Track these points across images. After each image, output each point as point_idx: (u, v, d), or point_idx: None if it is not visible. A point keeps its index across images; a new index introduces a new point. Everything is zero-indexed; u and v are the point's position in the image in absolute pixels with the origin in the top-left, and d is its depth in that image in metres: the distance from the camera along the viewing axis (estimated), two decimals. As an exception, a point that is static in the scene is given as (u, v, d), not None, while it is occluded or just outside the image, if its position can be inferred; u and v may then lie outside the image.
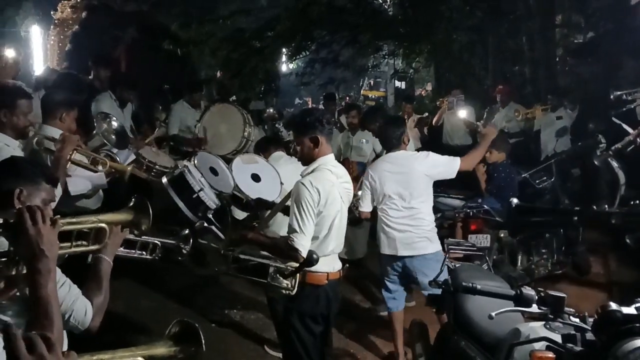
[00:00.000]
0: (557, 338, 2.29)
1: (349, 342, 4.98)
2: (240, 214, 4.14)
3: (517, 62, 12.83)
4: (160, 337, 2.09)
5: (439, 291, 3.41)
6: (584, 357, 2.16)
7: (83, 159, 3.72)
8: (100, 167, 3.75)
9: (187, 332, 1.78)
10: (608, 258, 6.69)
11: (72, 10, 12.46)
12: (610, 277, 6.28)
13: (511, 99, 8.79)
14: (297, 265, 3.14)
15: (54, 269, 1.69)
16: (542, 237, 5.95)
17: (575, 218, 5.64)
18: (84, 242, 1.94)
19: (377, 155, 6.01)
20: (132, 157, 4.54)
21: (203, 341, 1.73)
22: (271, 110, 10.19)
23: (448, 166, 4.42)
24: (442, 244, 4.50)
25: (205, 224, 3.44)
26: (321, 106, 11.26)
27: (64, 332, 1.91)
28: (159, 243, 2.52)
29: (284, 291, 3.24)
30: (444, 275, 3.57)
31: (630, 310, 2.16)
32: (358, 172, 6.24)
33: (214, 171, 3.73)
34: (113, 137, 4.32)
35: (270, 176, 3.98)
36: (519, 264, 5.87)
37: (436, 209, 5.22)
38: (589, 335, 2.23)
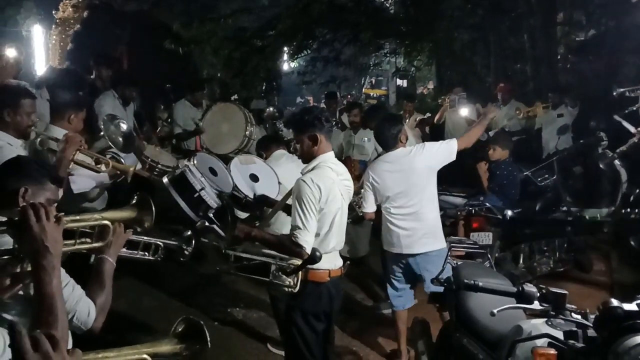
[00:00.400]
0: (559, 335, 2.29)
1: (351, 340, 4.98)
2: (242, 214, 4.15)
3: (518, 60, 12.82)
4: (164, 335, 2.09)
5: (441, 289, 3.42)
6: (586, 354, 2.16)
7: (86, 159, 3.72)
8: (103, 167, 3.76)
9: (193, 329, 1.79)
10: (609, 256, 6.70)
11: (73, 9, 12.48)
12: (611, 275, 6.28)
13: (512, 97, 8.78)
14: (299, 262, 3.15)
15: (58, 265, 1.70)
16: (544, 237, 5.96)
17: (569, 228, 5.69)
18: (88, 240, 1.95)
19: (379, 154, 6.01)
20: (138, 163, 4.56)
21: (208, 338, 1.74)
22: (271, 109, 10.18)
23: (446, 150, 4.39)
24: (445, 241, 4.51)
25: (207, 223, 3.45)
26: (323, 105, 11.27)
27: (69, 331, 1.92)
28: (161, 244, 2.53)
29: (286, 289, 3.25)
30: (447, 273, 3.57)
31: (631, 306, 2.17)
32: (360, 171, 6.24)
33: (213, 171, 3.74)
34: (120, 139, 4.33)
35: (268, 176, 4.00)
36: (521, 261, 5.87)
37: (438, 207, 5.23)
38: (591, 332, 2.24)
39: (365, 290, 6.02)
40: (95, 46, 9.87)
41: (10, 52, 5.92)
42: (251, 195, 3.81)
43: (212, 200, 3.59)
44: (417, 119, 8.69)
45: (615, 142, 6.63)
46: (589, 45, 11.59)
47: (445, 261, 3.77)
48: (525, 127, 8.60)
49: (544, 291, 2.43)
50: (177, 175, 3.66)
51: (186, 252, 2.79)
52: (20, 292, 2.04)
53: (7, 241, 1.83)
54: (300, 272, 3.21)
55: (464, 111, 7.64)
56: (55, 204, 2.23)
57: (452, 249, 3.98)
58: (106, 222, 1.96)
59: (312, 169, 3.35)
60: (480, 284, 2.60)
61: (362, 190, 4.60)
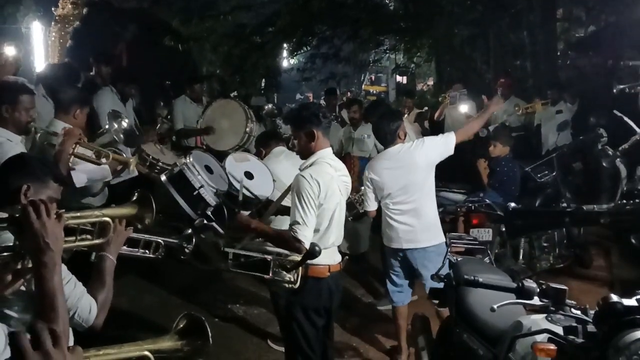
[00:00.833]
0: (559, 330, 2.30)
1: (351, 336, 4.99)
2: (244, 213, 4.15)
3: (518, 56, 12.81)
4: (165, 331, 2.10)
5: (440, 285, 3.43)
6: (586, 349, 2.17)
7: (86, 152, 3.73)
8: (103, 160, 3.77)
9: (194, 325, 1.79)
10: (609, 251, 6.71)
11: (73, 6, 12.45)
12: (611, 270, 6.29)
13: (512, 93, 8.77)
14: (299, 258, 3.15)
15: (59, 262, 1.70)
16: (543, 232, 5.96)
17: (567, 219, 5.70)
18: (89, 236, 1.95)
19: (380, 151, 6.01)
20: (135, 173, 4.56)
21: (210, 335, 1.74)
22: (270, 106, 10.15)
23: (444, 144, 4.38)
24: (444, 238, 4.52)
25: (205, 221, 3.45)
26: (322, 101, 11.26)
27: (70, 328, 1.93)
28: (162, 242, 2.53)
29: (286, 285, 3.26)
30: (446, 269, 3.58)
31: (631, 302, 2.17)
32: (360, 167, 6.25)
33: (208, 169, 3.74)
34: (121, 135, 4.37)
35: (262, 173, 4.00)
36: (521, 257, 5.88)
37: (438, 203, 5.22)
38: (591, 327, 2.24)
39: (365, 287, 6.03)
40: (94, 43, 9.86)
41: (9, 50, 5.92)
42: (246, 193, 3.80)
43: (210, 198, 3.59)
44: (416, 113, 8.70)
45: (615, 139, 6.63)
46: (589, 41, 11.59)
47: (445, 257, 3.78)
48: (525, 123, 8.60)
49: (543, 287, 2.43)
50: (175, 173, 3.66)
51: (187, 250, 2.80)
52: (23, 288, 2.04)
53: (9, 238, 1.84)
54: (300, 268, 3.21)
55: (464, 108, 7.64)
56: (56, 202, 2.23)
57: (452, 245, 3.98)
58: (107, 218, 1.96)
59: (311, 165, 3.36)
60: (480, 279, 2.61)
61: (363, 188, 4.60)
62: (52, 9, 12.65)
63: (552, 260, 5.87)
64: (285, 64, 19.11)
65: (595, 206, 5.34)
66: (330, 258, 3.40)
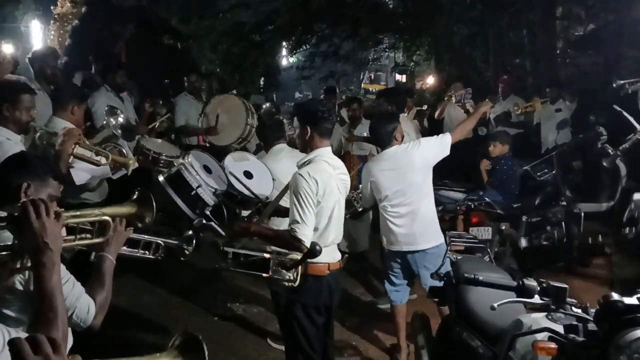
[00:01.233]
0: (559, 329, 2.30)
1: (351, 334, 4.99)
2: (245, 212, 4.15)
3: (518, 54, 12.80)
4: (165, 330, 2.09)
5: (440, 283, 3.42)
6: (586, 347, 2.17)
7: (85, 153, 3.73)
8: (102, 160, 3.77)
9: (191, 343, 1.78)
10: (609, 250, 6.70)
11: (71, 5, 12.46)
12: (611, 269, 6.28)
13: (512, 91, 8.77)
14: (298, 257, 3.15)
15: (58, 262, 1.70)
16: (543, 230, 5.96)
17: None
18: (88, 235, 1.94)
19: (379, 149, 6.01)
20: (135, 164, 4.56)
21: (206, 353, 1.74)
22: (267, 105, 10.11)
23: (440, 145, 4.38)
24: (444, 236, 4.51)
25: (204, 221, 3.45)
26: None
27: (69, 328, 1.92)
28: (162, 243, 2.52)
29: (286, 283, 3.25)
30: (446, 268, 3.57)
31: (632, 300, 2.17)
32: (359, 166, 6.24)
33: (207, 169, 3.74)
34: (119, 130, 4.39)
35: (261, 173, 4.00)
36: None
37: (437, 202, 5.22)
38: (591, 326, 2.24)
39: (365, 285, 6.02)
40: (93, 42, 9.86)
41: (7, 49, 5.93)
42: (246, 192, 3.80)
43: (208, 197, 3.58)
44: (415, 111, 8.69)
45: (615, 136, 6.63)
46: (588, 39, 11.58)
47: (445, 256, 3.77)
48: (524, 121, 8.60)
49: (544, 285, 2.43)
50: (173, 173, 3.65)
51: (187, 251, 2.80)
52: (20, 287, 2.04)
53: (8, 237, 1.83)
54: (300, 266, 3.21)
55: (470, 107, 7.68)
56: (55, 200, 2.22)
57: (452, 243, 3.98)
58: (107, 218, 1.95)
59: (308, 163, 3.36)
60: (481, 278, 2.60)
61: (361, 186, 4.60)
62: (51, 7, 12.65)
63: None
64: (284, 62, 19.09)
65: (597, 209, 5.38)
66: (329, 256, 3.40)
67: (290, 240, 3.18)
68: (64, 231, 1.80)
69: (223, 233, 3.50)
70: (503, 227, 5.78)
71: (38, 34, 13.88)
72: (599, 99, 8.03)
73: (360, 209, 4.67)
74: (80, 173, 3.85)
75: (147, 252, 2.54)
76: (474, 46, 13.19)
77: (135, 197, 2.07)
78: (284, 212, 3.62)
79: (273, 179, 3.99)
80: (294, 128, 3.59)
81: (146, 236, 2.44)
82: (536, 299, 2.44)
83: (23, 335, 1.41)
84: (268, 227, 3.58)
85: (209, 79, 11.58)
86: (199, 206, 3.58)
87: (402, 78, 20.54)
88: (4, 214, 1.76)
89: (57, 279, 1.69)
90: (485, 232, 5.74)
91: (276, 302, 4.20)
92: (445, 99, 8.65)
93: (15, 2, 13.36)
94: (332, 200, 3.34)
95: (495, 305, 2.40)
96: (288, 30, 12.09)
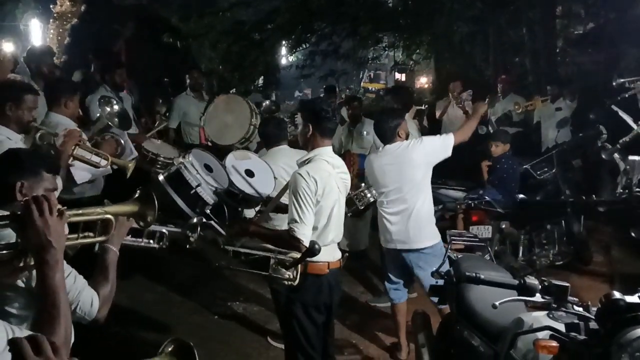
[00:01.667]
0: (561, 327, 2.30)
1: (351, 333, 4.99)
2: (248, 212, 4.15)
3: (517, 53, 12.79)
4: (165, 329, 2.09)
5: (441, 282, 3.42)
6: (588, 346, 2.17)
7: (85, 154, 3.74)
8: (102, 163, 3.78)
9: (183, 349, 1.78)
10: (610, 248, 6.71)
11: (71, 3, 12.46)
12: (612, 267, 6.29)
13: (511, 90, 8.78)
14: (298, 255, 3.15)
15: (61, 259, 1.70)
16: (543, 228, 5.97)
17: (569, 209, 5.80)
18: (91, 234, 1.94)
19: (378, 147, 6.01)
20: (135, 153, 4.56)
21: (197, 358, 1.74)
22: (267, 102, 10.11)
23: (443, 144, 4.38)
24: (444, 235, 4.52)
25: (204, 220, 3.45)
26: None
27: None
28: (166, 232, 2.51)
29: (286, 282, 3.25)
30: (445, 267, 3.57)
31: (633, 299, 2.17)
32: (359, 164, 6.24)
33: (208, 168, 3.74)
34: (116, 119, 4.40)
35: (263, 171, 3.99)
36: (521, 254, 5.88)
37: (437, 201, 5.23)
38: (593, 324, 2.24)
39: (365, 284, 6.03)
40: (93, 40, 9.85)
41: (7, 47, 5.93)
42: (247, 191, 3.80)
43: (208, 196, 3.58)
44: (414, 110, 8.69)
45: (615, 134, 6.62)
46: (588, 38, 11.57)
47: (445, 255, 3.78)
48: (524, 120, 8.60)
49: (545, 284, 2.43)
50: (172, 172, 3.65)
51: (191, 239, 2.79)
52: (22, 285, 2.04)
53: (10, 235, 1.83)
54: (299, 265, 3.21)
55: (469, 107, 7.76)
56: (57, 193, 2.22)
57: (452, 242, 3.98)
58: (109, 216, 1.95)
59: (308, 162, 3.36)
60: (482, 276, 2.61)
61: (363, 185, 4.62)
62: (51, 6, 12.64)
63: (552, 257, 5.87)
64: (284, 61, 19.08)
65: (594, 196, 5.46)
66: (329, 255, 3.40)
67: (289, 239, 3.18)
68: (66, 229, 1.79)
69: (223, 232, 3.50)
70: (503, 226, 5.79)
71: (37, 33, 13.90)
72: (599, 97, 8.02)
73: (362, 207, 4.67)
74: (80, 172, 3.86)
75: (151, 241, 2.52)
76: (473, 45, 13.19)
77: (137, 195, 2.07)
78: (285, 209, 3.61)
79: (275, 177, 3.99)
80: (297, 125, 3.58)
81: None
82: (537, 298, 2.44)
83: (26, 333, 1.41)
84: (267, 227, 3.58)
85: (209, 78, 11.55)
86: (199, 205, 3.57)
87: (401, 77, 20.55)
88: (5, 213, 1.76)
89: (61, 277, 1.69)
90: (485, 231, 5.75)
91: (276, 300, 4.20)
92: (445, 101, 8.66)
93: (15, 0, 13.37)
94: (331, 199, 3.34)
95: (497, 303, 2.41)
96: (288, 29, 12.08)
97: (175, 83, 8.13)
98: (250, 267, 3.78)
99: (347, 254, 3.66)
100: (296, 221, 3.18)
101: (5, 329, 1.50)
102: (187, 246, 2.74)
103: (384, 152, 4.46)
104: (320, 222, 3.31)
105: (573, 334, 2.23)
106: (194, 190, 3.53)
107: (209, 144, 5.91)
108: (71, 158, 3.67)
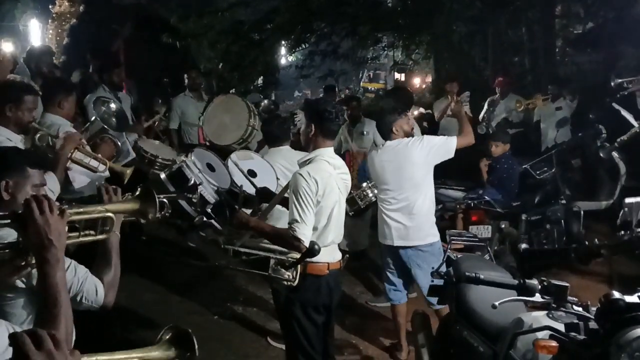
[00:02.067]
0: (560, 327, 2.30)
1: (351, 333, 4.99)
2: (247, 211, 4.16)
3: (516, 52, 12.79)
4: (160, 330, 2.09)
5: (432, 280, 3.42)
6: (587, 346, 2.17)
7: (84, 159, 3.75)
8: (100, 167, 3.79)
9: (181, 337, 1.78)
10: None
11: (69, 3, 12.46)
12: (611, 267, 6.28)
13: (511, 90, 8.78)
14: (298, 256, 3.15)
15: (62, 258, 1.70)
16: (543, 228, 5.96)
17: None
18: (92, 232, 1.94)
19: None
20: (132, 154, 4.55)
21: (196, 346, 1.74)
22: (266, 101, 10.10)
23: (445, 146, 4.40)
24: (444, 235, 4.52)
25: (205, 219, 3.45)
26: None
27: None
28: (165, 201, 2.45)
29: (285, 282, 3.26)
30: (444, 267, 3.57)
31: (633, 299, 2.18)
32: (359, 164, 6.25)
33: (210, 167, 3.74)
34: (113, 119, 4.38)
35: (265, 171, 4.00)
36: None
37: (437, 200, 5.21)
38: (592, 324, 2.25)
39: (365, 284, 6.02)
40: (91, 40, 9.85)
41: (6, 47, 5.93)
42: (249, 191, 3.80)
43: (209, 195, 3.58)
44: (416, 112, 8.69)
45: (614, 134, 6.63)
46: (587, 37, 11.58)
47: (445, 254, 3.78)
48: (524, 119, 8.61)
49: (545, 284, 2.43)
50: (174, 170, 3.66)
51: (194, 199, 2.77)
52: (22, 285, 2.04)
53: (10, 233, 1.83)
54: (299, 266, 3.21)
55: (467, 108, 7.77)
56: (55, 194, 2.22)
57: (452, 242, 3.98)
58: (110, 214, 1.95)
59: (309, 163, 3.36)
60: (482, 276, 2.61)
61: (364, 184, 4.65)
62: (50, 6, 12.64)
63: (551, 257, 5.86)
64: (283, 61, 19.07)
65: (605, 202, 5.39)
66: (329, 256, 3.40)
67: (289, 239, 3.18)
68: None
69: (223, 231, 3.51)
70: (503, 226, 5.79)
71: (36, 33, 13.90)
72: (599, 97, 8.03)
73: (364, 207, 4.70)
74: (80, 176, 3.85)
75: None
76: (473, 44, 13.18)
77: (138, 193, 2.07)
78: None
79: (277, 177, 3.99)
80: (297, 124, 3.59)
81: None
82: (537, 298, 2.45)
83: None
84: (268, 224, 3.58)
85: (208, 78, 11.54)
86: (200, 204, 3.58)
87: (401, 77, 20.53)
88: (4, 213, 1.76)
89: (62, 275, 1.69)
90: (484, 231, 5.75)
91: (276, 300, 4.21)
92: (443, 102, 8.66)
93: (13, 1, 13.37)
94: (331, 199, 3.34)
95: (497, 303, 2.41)
96: (287, 28, 12.06)
97: (174, 83, 8.14)
98: (250, 267, 3.79)
99: (347, 255, 3.66)
100: (297, 221, 3.17)
101: (7, 329, 1.51)
102: (195, 221, 2.72)
103: (384, 149, 4.49)
104: (320, 222, 3.31)
105: (572, 333, 2.24)
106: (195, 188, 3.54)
107: (207, 143, 5.92)
108: (69, 161, 3.67)
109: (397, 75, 20.75)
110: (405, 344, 4.58)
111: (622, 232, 5.40)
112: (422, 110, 8.86)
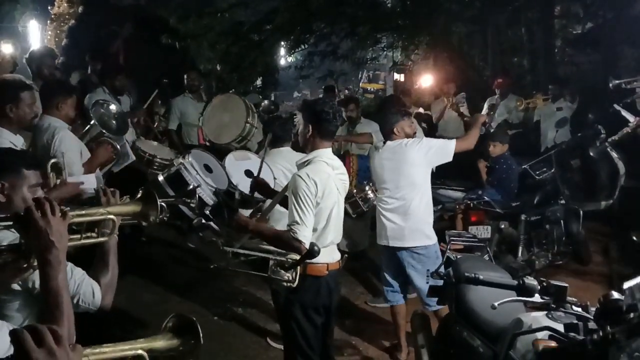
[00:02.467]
0: (560, 327, 2.30)
1: (351, 334, 4.99)
2: (245, 214, 4.16)
3: (516, 53, 12.81)
4: (160, 330, 2.09)
5: (427, 282, 3.43)
6: (587, 346, 2.17)
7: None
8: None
9: (185, 325, 1.78)
10: (608, 248, 6.71)
11: (68, 4, 12.45)
12: (610, 267, 6.29)
13: (510, 91, 8.79)
14: (297, 257, 3.15)
15: (64, 260, 1.70)
16: (542, 229, 5.97)
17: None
18: (94, 234, 1.95)
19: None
20: (132, 157, 4.54)
21: (201, 334, 1.73)
22: (266, 102, 10.10)
23: (444, 148, 4.41)
24: (443, 235, 4.52)
25: (203, 221, 3.45)
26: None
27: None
28: (164, 205, 2.46)
29: (285, 284, 3.25)
30: (443, 267, 3.57)
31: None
32: (358, 165, 6.24)
33: (208, 168, 3.74)
34: (113, 122, 4.37)
35: (263, 172, 4.00)
36: (520, 255, 5.88)
37: (436, 201, 5.23)
38: (591, 325, 2.24)
39: (365, 284, 6.02)
40: (90, 41, 9.85)
41: (6, 49, 5.93)
42: (246, 192, 3.80)
43: (208, 197, 3.59)
44: (415, 112, 8.70)
45: (614, 134, 6.62)
46: (587, 38, 11.59)
47: (444, 254, 3.78)
48: (524, 120, 8.61)
49: (544, 284, 2.43)
50: (172, 173, 3.66)
51: (192, 204, 2.77)
52: (18, 287, 2.04)
53: (6, 236, 1.83)
54: (298, 267, 3.21)
55: (464, 109, 7.83)
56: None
57: (451, 242, 3.99)
58: (112, 216, 1.96)
59: (308, 164, 3.36)
60: (481, 277, 2.61)
61: (365, 185, 4.66)
62: (49, 7, 12.64)
63: (551, 257, 5.87)
64: (283, 62, 19.07)
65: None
66: (328, 256, 3.40)
67: (289, 241, 3.18)
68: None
69: (222, 232, 3.51)
70: (502, 226, 5.80)
71: (36, 34, 13.89)
72: (598, 97, 8.04)
73: (367, 209, 4.71)
74: (87, 180, 3.85)
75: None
76: (472, 45, 13.20)
77: (139, 195, 2.07)
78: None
79: (274, 177, 3.99)
80: (296, 124, 3.57)
81: None
82: (536, 298, 2.45)
83: None
84: (267, 226, 3.59)
85: (208, 78, 11.55)
86: (198, 206, 3.58)
87: (400, 77, 20.52)
88: (5, 215, 1.76)
89: (63, 277, 1.70)
90: (484, 231, 5.75)
91: (276, 301, 4.21)
92: (439, 103, 8.68)
93: (13, 2, 13.37)
94: (330, 200, 3.34)
95: (496, 304, 2.41)
96: (287, 29, 12.08)
97: (174, 84, 8.14)
98: (249, 269, 3.79)
99: (346, 255, 3.66)
100: (297, 223, 3.18)
101: (8, 329, 1.51)
102: (194, 220, 2.72)
103: (385, 148, 4.52)
104: (319, 223, 3.32)
105: (572, 334, 2.23)
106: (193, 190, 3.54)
107: (207, 143, 5.93)
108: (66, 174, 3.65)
109: (396, 76, 20.75)
110: (404, 344, 4.58)
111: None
112: (421, 110, 8.89)
